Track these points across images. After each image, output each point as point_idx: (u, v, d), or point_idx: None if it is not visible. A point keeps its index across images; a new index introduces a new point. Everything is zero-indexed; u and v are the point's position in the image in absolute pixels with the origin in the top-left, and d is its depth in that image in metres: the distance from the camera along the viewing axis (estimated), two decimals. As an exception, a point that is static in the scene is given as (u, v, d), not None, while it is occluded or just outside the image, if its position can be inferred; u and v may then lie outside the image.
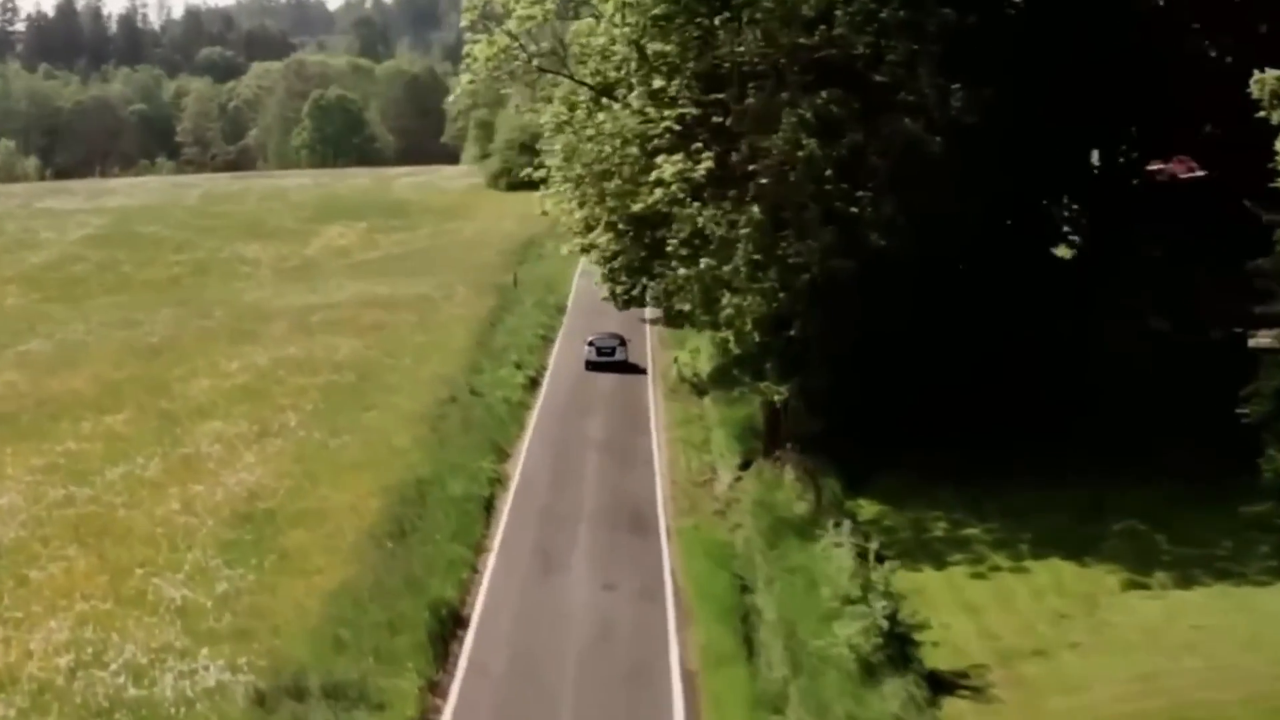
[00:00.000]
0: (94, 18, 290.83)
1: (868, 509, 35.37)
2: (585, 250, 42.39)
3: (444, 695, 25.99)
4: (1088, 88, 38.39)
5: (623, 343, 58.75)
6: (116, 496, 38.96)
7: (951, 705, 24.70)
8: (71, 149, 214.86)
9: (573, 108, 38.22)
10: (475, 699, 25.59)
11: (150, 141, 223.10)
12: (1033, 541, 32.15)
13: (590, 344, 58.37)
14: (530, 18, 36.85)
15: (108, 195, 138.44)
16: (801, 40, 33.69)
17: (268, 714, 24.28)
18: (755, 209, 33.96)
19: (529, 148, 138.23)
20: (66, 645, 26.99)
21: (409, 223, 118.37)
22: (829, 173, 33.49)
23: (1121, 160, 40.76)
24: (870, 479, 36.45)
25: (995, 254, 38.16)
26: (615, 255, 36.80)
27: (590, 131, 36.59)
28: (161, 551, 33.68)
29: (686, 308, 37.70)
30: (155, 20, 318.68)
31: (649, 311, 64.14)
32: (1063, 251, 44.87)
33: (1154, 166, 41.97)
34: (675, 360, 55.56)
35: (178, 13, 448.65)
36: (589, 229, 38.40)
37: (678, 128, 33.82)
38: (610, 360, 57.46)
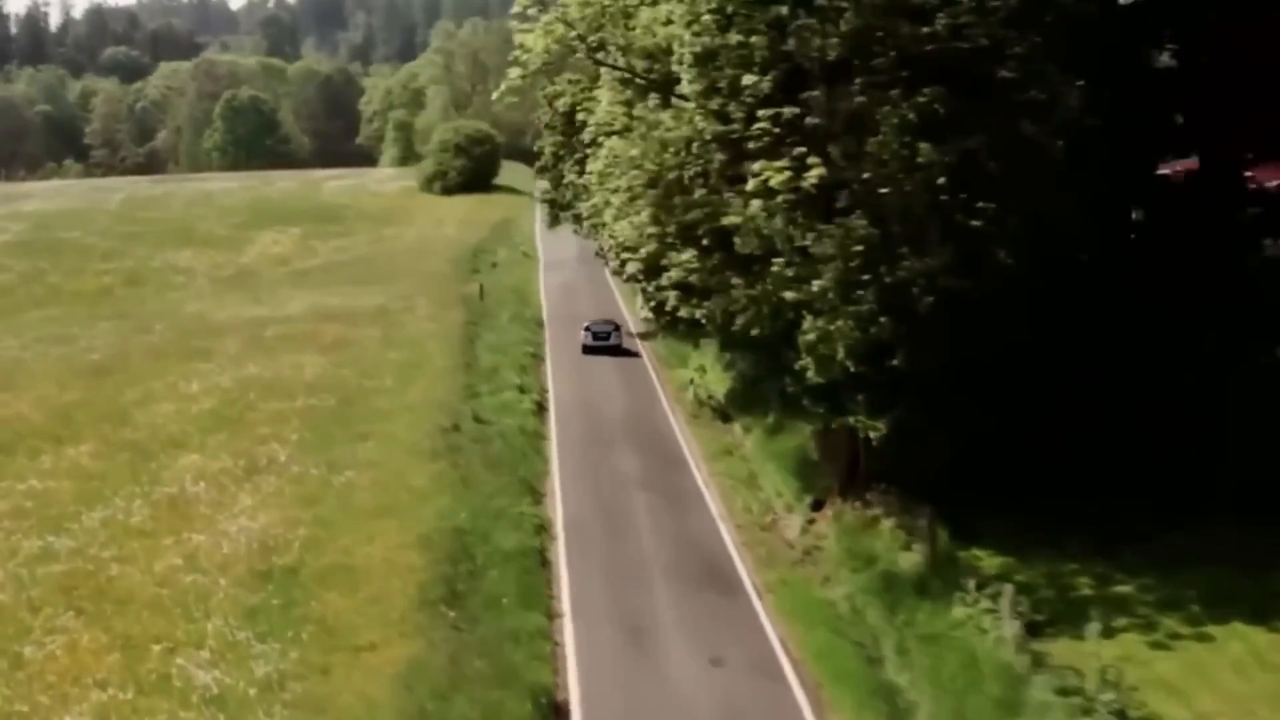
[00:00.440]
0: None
1: (986, 561, 31.08)
2: (649, 272, 37.60)
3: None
4: (1197, 88, 34.88)
5: (617, 329, 61.90)
6: (103, 549, 33.91)
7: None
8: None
9: (629, 105, 33.71)
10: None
11: (57, 143, 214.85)
12: (1202, 600, 27.98)
13: (587, 329, 61.33)
14: (589, 3, 32.34)
15: (22, 199, 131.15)
16: (905, 30, 29.45)
17: None
18: (856, 222, 29.72)
19: (464, 150, 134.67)
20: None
21: (344, 228, 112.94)
22: (941, 180, 29.35)
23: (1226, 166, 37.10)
24: (979, 525, 32.15)
25: (1117, 274, 34.22)
26: (688, 273, 31.94)
27: (658, 134, 32.10)
28: (175, 621, 28.83)
29: (756, 331, 33.21)
30: (56, 20, 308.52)
31: (641, 323, 62.51)
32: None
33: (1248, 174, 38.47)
34: (691, 382, 51.31)
35: (78, 12, 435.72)
36: (654, 245, 33.59)
37: (775, 130, 29.45)
38: (605, 344, 60.48)
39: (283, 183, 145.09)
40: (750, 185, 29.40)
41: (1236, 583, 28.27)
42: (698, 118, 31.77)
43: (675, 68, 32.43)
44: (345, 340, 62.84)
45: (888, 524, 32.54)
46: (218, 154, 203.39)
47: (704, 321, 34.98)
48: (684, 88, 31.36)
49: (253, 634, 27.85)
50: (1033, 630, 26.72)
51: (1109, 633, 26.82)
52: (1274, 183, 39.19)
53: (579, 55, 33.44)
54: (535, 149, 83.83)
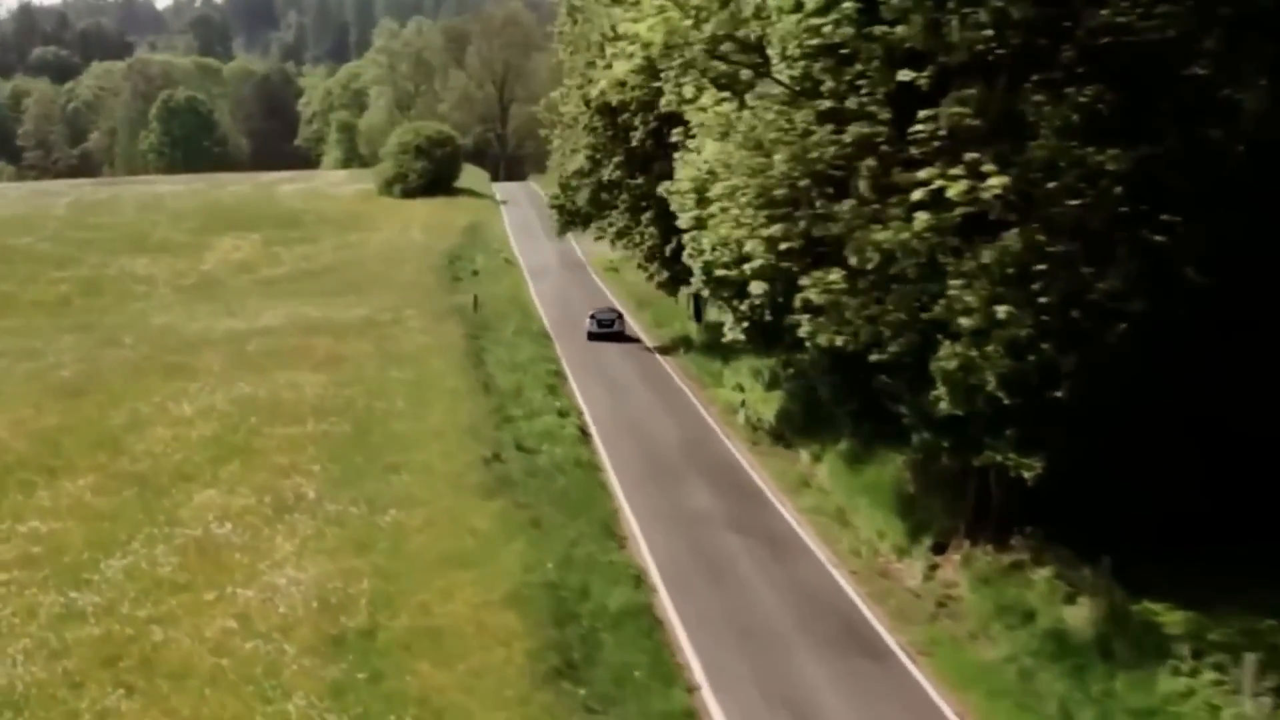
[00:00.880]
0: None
1: (1165, 617, 27.40)
2: (736, 287, 33.26)
3: None
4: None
5: (620, 317, 67.03)
6: (136, 606, 29.69)
7: None
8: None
9: (742, 105, 29.71)
10: None
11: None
12: None
13: (592, 317, 65.86)
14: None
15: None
16: (1095, 20, 25.70)
17: None
18: (1016, 237, 25.99)
19: (425, 152, 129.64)
20: None
21: (306, 234, 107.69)
22: (1118, 190, 25.75)
23: None
24: (1150, 576, 28.45)
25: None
26: (829, 294, 27.78)
27: (787, 138, 28.12)
28: (248, 701, 24.75)
29: (885, 356, 29.27)
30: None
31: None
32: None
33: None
34: (742, 404, 47.45)
35: (4, 11, 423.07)
36: (767, 261, 29.54)
37: (942, 134, 25.62)
38: (609, 331, 64.78)
39: (233, 186, 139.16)
40: (917, 195, 25.51)
41: None
42: (811, 120, 27.98)
43: (801, 64, 28.42)
44: (338, 356, 58.38)
45: (1042, 573, 28.84)
46: (154, 155, 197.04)
47: (841, 345, 30.36)
48: (830, 86, 27.33)
49: (347, 718, 23.74)
50: None
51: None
52: None
53: (696, 47, 29.29)
54: (547, 150, 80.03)
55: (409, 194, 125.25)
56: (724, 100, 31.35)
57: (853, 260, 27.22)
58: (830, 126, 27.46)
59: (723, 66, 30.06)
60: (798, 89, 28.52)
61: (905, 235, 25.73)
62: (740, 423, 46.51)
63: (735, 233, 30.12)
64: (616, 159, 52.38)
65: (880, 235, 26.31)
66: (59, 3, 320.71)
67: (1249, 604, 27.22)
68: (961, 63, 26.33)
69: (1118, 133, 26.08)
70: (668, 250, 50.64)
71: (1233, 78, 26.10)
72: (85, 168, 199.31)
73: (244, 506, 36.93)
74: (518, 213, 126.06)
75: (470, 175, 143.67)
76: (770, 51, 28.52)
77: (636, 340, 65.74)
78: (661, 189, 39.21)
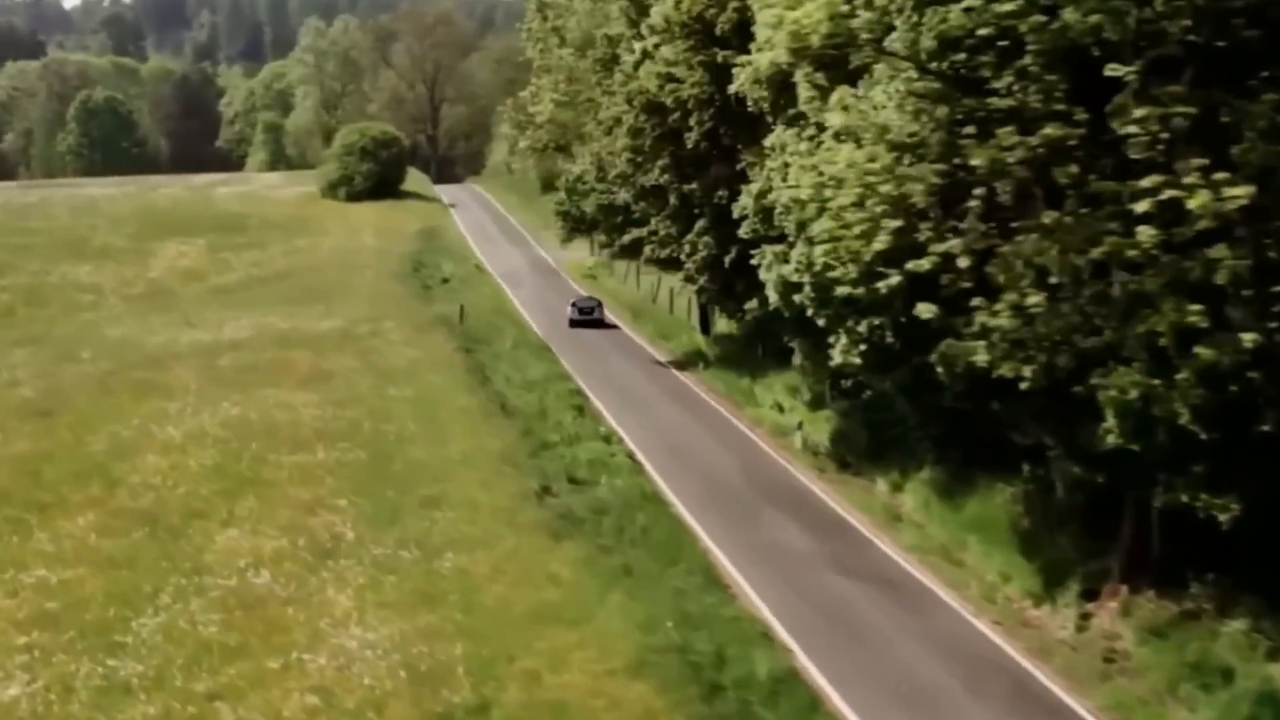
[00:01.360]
0: None
1: (1390, 678, 24.41)
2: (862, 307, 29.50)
3: None
4: None
5: (600, 305, 69.44)
6: (191, 678, 25.70)
7: None
8: None
9: (911, 113, 25.83)
10: None
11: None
12: None
13: (573, 305, 68.60)
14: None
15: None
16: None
17: None
18: (1240, 252, 22.61)
19: (370, 154, 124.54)
20: None
21: (253, 239, 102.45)
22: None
23: None
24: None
25: None
26: (1023, 319, 24.05)
27: (952, 139, 24.54)
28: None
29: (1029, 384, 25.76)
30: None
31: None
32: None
33: None
34: (799, 426, 43.77)
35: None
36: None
37: (1164, 134, 22.16)
38: (590, 318, 67.35)
39: (165, 188, 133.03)
40: (1142, 207, 21.96)
41: None
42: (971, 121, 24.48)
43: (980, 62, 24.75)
44: (322, 372, 54.04)
45: (1234, 625, 25.58)
46: (72, 157, 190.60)
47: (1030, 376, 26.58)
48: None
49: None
50: None
51: None
52: None
53: (865, 37, 25.49)
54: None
55: (354, 197, 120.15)
56: (855, 97, 27.70)
57: (1054, 279, 23.65)
58: (1012, 127, 23.84)
59: (870, 59, 26.37)
60: (958, 85, 24.89)
61: (1132, 252, 22.22)
62: (797, 447, 42.89)
63: (870, 247, 26.41)
64: (662, 162, 48.38)
65: (1098, 252, 22.77)
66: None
67: None
68: (1171, 56, 22.94)
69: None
70: (726, 262, 46.61)
71: None
72: (1, 169, 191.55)
73: (276, 550, 32.99)
74: (469, 215, 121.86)
75: (414, 179, 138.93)
76: (924, 43, 24.84)
77: (614, 327, 68.30)
78: (758, 197, 35.05)
